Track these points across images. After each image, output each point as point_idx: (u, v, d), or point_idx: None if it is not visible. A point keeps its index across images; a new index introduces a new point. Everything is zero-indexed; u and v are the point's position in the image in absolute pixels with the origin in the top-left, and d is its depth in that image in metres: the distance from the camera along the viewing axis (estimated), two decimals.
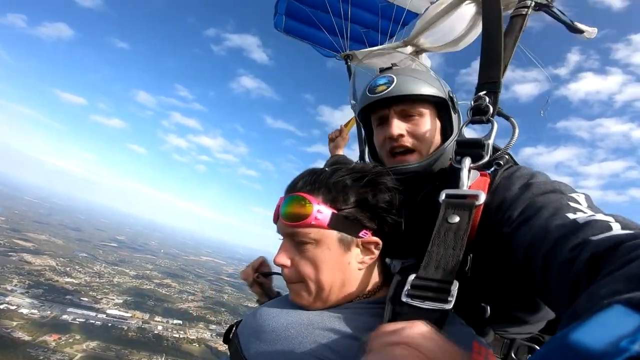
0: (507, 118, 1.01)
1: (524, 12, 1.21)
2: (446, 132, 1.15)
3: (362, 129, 1.42)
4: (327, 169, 0.90)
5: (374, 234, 0.87)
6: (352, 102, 1.54)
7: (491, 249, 0.80)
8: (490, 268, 0.84)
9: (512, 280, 0.86)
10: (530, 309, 0.94)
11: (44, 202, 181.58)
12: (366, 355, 0.54)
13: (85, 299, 49.44)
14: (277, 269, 0.98)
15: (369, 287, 0.90)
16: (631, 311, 0.30)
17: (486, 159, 0.91)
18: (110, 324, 44.17)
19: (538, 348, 0.81)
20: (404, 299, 0.71)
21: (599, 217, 0.58)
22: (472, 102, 1.02)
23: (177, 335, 46.57)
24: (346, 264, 0.85)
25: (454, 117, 1.15)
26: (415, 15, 2.62)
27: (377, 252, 0.88)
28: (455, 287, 0.67)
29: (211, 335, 49.29)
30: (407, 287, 0.72)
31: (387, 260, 0.96)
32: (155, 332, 46.10)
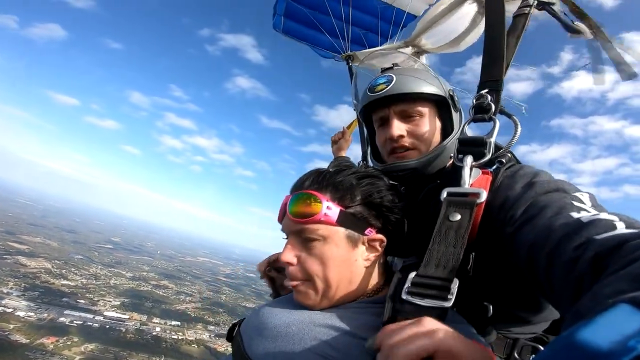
0: (509, 116, 1.01)
1: (526, 12, 1.22)
2: (447, 130, 1.15)
3: (365, 130, 1.42)
4: (331, 169, 0.92)
5: (378, 232, 0.88)
6: (355, 102, 1.53)
7: (493, 248, 0.80)
8: (492, 267, 0.84)
9: (515, 280, 0.86)
10: (533, 308, 0.93)
11: (37, 205, 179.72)
12: (378, 356, 0.55)
13: (82, 301, 49.02)
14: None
15: (372, 286, 0.91)
16: (636, 310, 0.30)
17: (488, 157, 0.90)
18: (108, 326, 43.90)
19: (542, 348, 0.81)
20: (404, 296, 0.71)
21: (603, 216, 0.58)
22: (474, 101, 1.02)
23: (175, 337, 46.36)
24: (353, 261, 0.86)
25: (455, 115, 1.15)
26: (414, 18, 2.66)
27: (381, 250, 0.89)
28: (455, 285, 0.67)
29: (210, 336, 49.16)
30: (408, 284, 0.72)
31: (389, 258, 0.96)
32: (154, 333, 45.84)
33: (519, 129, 0.96)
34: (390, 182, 0.95)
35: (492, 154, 0.91)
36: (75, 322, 41.80)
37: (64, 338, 37.63)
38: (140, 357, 39.17)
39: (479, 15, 1.83)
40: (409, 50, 2.19)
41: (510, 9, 1.26)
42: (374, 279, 0.91)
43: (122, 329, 44.40)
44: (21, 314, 39.37)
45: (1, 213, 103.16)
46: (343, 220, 0.84)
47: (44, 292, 47.55)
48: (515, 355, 1.02)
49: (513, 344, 1.02)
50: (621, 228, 0.53)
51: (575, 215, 0.62)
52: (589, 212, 0.63)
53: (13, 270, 52.75)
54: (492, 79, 1.02)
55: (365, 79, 1.37)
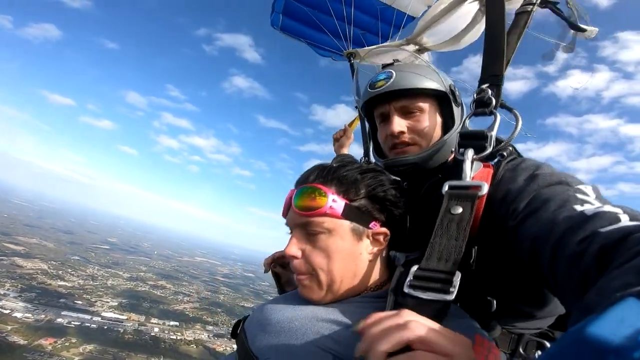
0: (510, 110, 1.01)
1: (529, 9, 1.23)
2: (448, 125, 1.16)
3: (367, 126, 1.45)
4: (335, 164, 0.92)
5: (382, 226, 0.89)
6: (356, 98, 1.55)
7: (496, 241, 0.80)
8: (495, 261, 0.84)
9: (518, 273, 0.85)
10: (537, 303, 0.92)
11: (33, 205, 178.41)
12: (361, 342, 0.55)
13: (80, 302, 48.79)
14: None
15: (375, 280, 0.91)
16: None
17: (489, 150, 0.91)
18: (106, 327, 43.71)
19: (547, 344, 0.80)
20: (405, 289, 0.71)
21: (607, 208, 0.58)
22: (475, 95, 1.03)
23: (174, 337, 46.25)
24: (358, 255, 0.86)
25: (456, 109, 1.16)
26: (413, 19, 2.64)
27: (385, 243, 0.90)
28: (457, 278, 0.67)
29: (208, 336, 49.14)
30: (410, 277, 0.72)
31: (392, 253, 0.98)
32: (152, 334, 45.73)
33: (520, 122, 0.97)
34: (393, 177, 0.96)
35: (493, 148, 0.91)
36: (73, 323, 41.60)
37: (62, 339, 37.46)
38: (139, 357, 39.01)
39: (480, 14, 1.84)
40: (410, 47, 2.21)
41: (513, 6, 1.29)
42: (378, 273, 0.92)
43: (120, 329, 44.22)
44: (18, 315, 39.16)
45: None
46: (348, 214, 0.84)
47: (40, 293, 47.28)
48: (520, 350, 1.02)
49: (518, 339, 1.02)
50: (625, 220, 0.52)
51: (579, 208, 0.61)
52: (592, 204, 0.62)
53: (9, 271, 52.36)
54: (492, 74, 1.03)
55: (365, 76, 1.40)
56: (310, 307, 0.86)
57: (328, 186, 0.86)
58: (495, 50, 1.05)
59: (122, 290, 61.27)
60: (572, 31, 1.52)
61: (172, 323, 50.70)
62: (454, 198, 0.81)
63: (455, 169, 0.92)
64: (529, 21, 1.23)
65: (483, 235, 0.80)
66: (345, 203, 0.84)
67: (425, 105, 1.14)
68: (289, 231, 0.92)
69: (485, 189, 0.79)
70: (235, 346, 0.95)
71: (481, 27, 1.88)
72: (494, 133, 0.93)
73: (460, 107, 1.18)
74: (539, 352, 0.94)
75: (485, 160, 0.93)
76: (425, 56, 2.24)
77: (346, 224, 0.85)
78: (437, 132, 1.15)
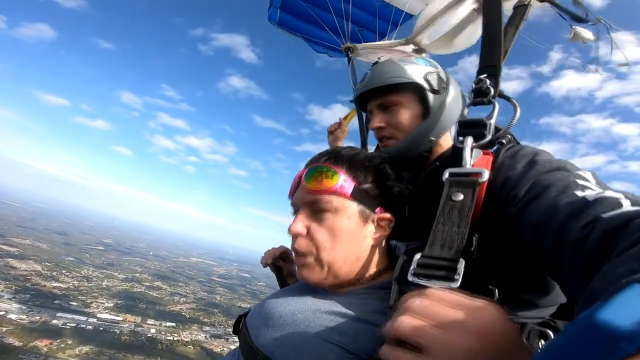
0: (508, 99, 1.03)
1: (526, 2, 1.25)
2: (428, 114, 1.17)
3: (363, 119, 1.48)
4: (345, 149, 0.94)
5: (386, 212, 0.90)
6: (354, 91, 1.65)
7: (497, 229, 0.79)
8: (497, 249, 0.83)
9: (521, 261, 0.85)
10: (539, 291, 0.93)
11: (27, 206, 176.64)
12: (397, 313, 0.54)
13: (75, 303, 48.47)
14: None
15: (376, 268, 0.91)
16: None
17: (488, 137, 0.91)
18: (101, 328, 43.46)
19: (550, 333, 0.78)
20: (410, 278, 0.70)
21: (608, 193, 0.58)
22: (474, 85, 1.04)
23: (171, 338, 46.10)
24: (362, 237, 0.87)
25: (434, 97, 1.16)
26: (411, 17, 2.68)
27: (389, 230, 0.90)
28: (461, 265, 0.67)
29: (206, 337, 49.00)
30: (413, 266, 0.72)
31: (392, 242, 0.98)
32: (149, 335, 45.56)
33: (518, 110, 0.99)
34: (399, 168, 0.97)
35: (492, 135, 0.92)
36: (68, 324, 41.36)
37: (58, 340, 37.20)
38: (135, 359, 38.79)
39: (476, 15, 1.86)
40: (409, 48, 2.23)
41: (509, 3, 1.31)
42: (379, 260, 0.92)
43: (116, 330, 44.01)
44: (13, 316, 38.88)
45: None
46: (357, 196, 0.85)
47: (35, 295, 46.92)
48: (524, 340, 1.08)
49: (520, 328, 0.99)
50: (627, 205, 0.52)
51: (580, 193, 0.61)
52: (593, 190, 0.62)
53: (3, 272, 51.86)
54: (490, 64, 1.04)
55: (362, 71, 1.43)
56: (312, 300, 0.86)
57: (339, 167, 0.87)
58: (493, 41, 1.06)
59: (117, 291, 60.95)
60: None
61: (168, 324, 50.56)
62: (454, 185, 0.81)
63: (454, 156, 0.92)
64: (527, 14, 1.25)
65: (484, 223, 0.79)
66: (355, 185, 0.86)
67: (401, 99, 1.17)
68: (293, 211, 0.92)
69: (486, 175, 0.79)
70: (232, 347, 0.94)
71: (477, 31, 1.90)
72: (492, 121, 0.94)
73: (444, 94, 1.18)
74: (542, 342, 0.94)
75: (484, 147, 0.93)
76: (424, 56, 2.31)
77: (354, 205, 0.86)
78: (415, 122, 1.17)
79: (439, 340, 0.47)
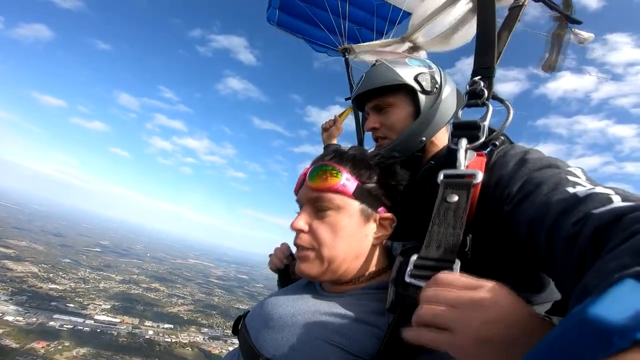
0: (501, 101, 1.03)
1: (520, 3, 1.26)
2: (419, 115, 1.19)
3: (360, 118, 1.50)
4: (351, 149, 0.96)
5: (388, 212, 0.92)
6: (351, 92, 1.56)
7: (491, 228, 0.80)
8: (491, 247, 0.85)
9: (515, 259, 0.87)
10: (534, 289, 0.94)
11: (23, 208, 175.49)
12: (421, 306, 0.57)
13: (72, 305, 48.15)
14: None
15: (375, 267, 0.92)
16: None
17: (482, 139, 0.92)
18: (99, 330, 43.22)
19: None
20: (407, 279, 0.72)
21: (599, 189, 0.58)
22: (468, 87, 1.05)
23: (168, 340, 45.87)
24: (363, 236, 0.88)
25: (424, 98, 1.18)
26: (409, 15, 2.66)
27: (391, 230, 0.91)
28: (457, 266, 0.68)
29: (204, 338, 48.84)
30: (410, 267, 0.73)
31: (388, 242, 1.00)
32: (147, 336, 45.32)
33: (512, 112, 0.99)
34: (403, 169, 0.99)
35: (486, 137, 0.93)
36: (65, 326, 41.07)
37: (55, 342, 36.93)
38: None
39: (471, 14, 1.87)
40: (405, 46, 2.24)
41: (504, 3, 1.32)
42: (378, 260, 0.93)
43: (113, 332, 43.77)
44: (10, 318, 38.61)
45: None
46: (359, 195, 0.87)
47: (31, 297, 46.57)
48: (538, 314, 1.09)
49: None
50: (617, 201, 0.53)
51: (571, 190, 0.62)
52: (584, 186, 0.63)
53: None
54: (484, 66, 1.05)
55: (359, 72, 1.46)
56: (312, 301, 0.87)
57: (343, 166, 0.88)
58: (487, 43, 1.07)
59: (114, 293, 60.66)
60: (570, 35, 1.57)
61: (166, 326, 50.31)
62: (449, 186, 0.82)
63: (449, 157, 0.93)
64: (521, 15, 1.26)
65: (479, 223, 0.80)
66: (358, 184, 0.87)
67: (394, 100, 1.20)
68: (298, 209, 0.94)
69: (479, 177, 0.81)
70: (230, 348, 0.93)
71: (473, 29, 1.88)
72: (486, 123, 0.95)
73: (436, 95, 1.20)
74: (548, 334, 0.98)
75: (478, 149, 0.94)
76: (421, 54, 2.28)
77: (356, 204, 0.87)
78: (407, 123, 1.19)
79: (456, 318, 0.50)
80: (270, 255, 1.43)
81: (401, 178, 0.94)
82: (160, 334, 47.02)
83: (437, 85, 1.20)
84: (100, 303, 52.53)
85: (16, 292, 46.69)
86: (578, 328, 0.29)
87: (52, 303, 46.73)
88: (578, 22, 1.55)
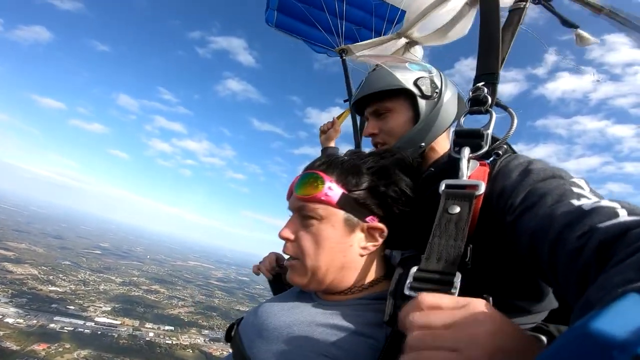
0: (505, 108, 1.01)
1: (522, 6, 1.24)
2: (418, 120, 1.17)
3: (358, 122, 1.50)
4: (347, 154, 0.95)
5: (380, 222, 0.88)
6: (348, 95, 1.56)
7: (493, 239, 0.80)
8: (492, 258, 0.84)
9: (516, 269, 0.86)
10: (534, 298, 0.93)
11: (22, 210, 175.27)
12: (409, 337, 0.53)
13: (72, 307, 48.10)
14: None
15: (369, 279, 0.91)
16: None
17: (485, 148, 0.90)
18: (100, 332, 43.15)
19: (543, 337, 0.79)
20: (406, 292, 0.70)
21: (604, 203, 0.57)
22: (471, 93, 1.03)
23: (169, 342, 45.86)
24: (348, 246, 0.86)
25: (424, 103, 1.17)
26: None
27: (381, 240, 0.89)
28: (458, 279, 0.67)
29: (204, 340, 48.80)
30: (410, 279, 0.71)
31: (387, 251, 0.98)
32: (147, 338, 45.26)
33: (515, 121, 0.97)
34: (404, 174, 0.95)
35: (489, 146, 0.92)
36: (66, 328, 41.01)
37: (56, 344, 36.87)
38: None
39: (467, 8, 1.85)
40: (401, 41, 2.22)
41: (506, 2, 1.28)
42: (371, 270, 0.91)
43: (114, 334, 43.73)
44: (10, 320, 38.55)
45: None
46: (343, 203, 0.85)
47: (32, 299, 46.53)
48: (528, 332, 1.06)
49: None
50: (623, 215, 0.52)
51: (575, 202, 0.61)
52: (589, 199, 0.62)
53: None
54: (488, 72, 1.03)
55: (359, 73, 1.46)
56: (308, 311, 0.85)
57: (329, 174, 0.87)
58: (491, 48, 1.05)
59: (115, 295, 60.59)
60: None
61: (167, 328, 50.29)
62: (451, 197, 0.80)
63: (451, 166, 0.92)
64: (523, 18, 1.23)
65: (480, 233, 0.78)
66: (343, 192, 0.85)
67: (393, 105, 1.19)
68: (290, 215, 0.94)
69: (482, 188, 0.79)
70: (231, 350, 0.94)
71: (468, 21, 1.92)
72: (489, 131, 0.93)
73: (436, 99, 1.18)
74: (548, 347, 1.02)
75: (481, 158, 0.92)
76: (418, 49, 2.29)
77: (340, 214, 0.85)
78: (406, 129, 1.17)
79: (461, 337, 0.48)
80: (259, 263, 1.44)
81: (398, 179, 0.90)
82: (161, 336, 46.99)
83: (437, 90, 1.19)
84: (101, 305, 52.50)
85: (16, 294, 46.62)
86: (579, 341, 0.29)
87: (53, 305, 46.70)
88: (575, 27, 1.57)
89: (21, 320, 39.34)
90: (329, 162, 0.90)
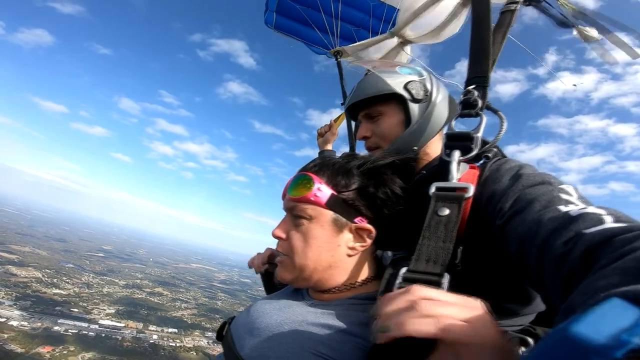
0: (495, 111, 1.01)
1: (512, 8, 1.23)
2: (410, 123, 1.18)
3: (352, 125, 1.55)
4: (341, 157, 0.97)
5: (369, 223, 0.89)
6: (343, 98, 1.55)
7: (482, 242, 0.81)
8: (481, 260, 0.85)
9: (504, 273, 0.87)
10: (522, 301, 0.94)
11: (25, 214, 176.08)
12: (378, 322, 0.56)
13: (76, 309, 48.25)
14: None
15: (360, 278, 0.92)
16: (628, 304, 0.30)
17: (475, 151, 0.91)
18: (104, 334, 43.26)
19: (530, 340, 0.81)
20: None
21: (591, 209, 0.58)
22: (462, 96, 1.03)
23: (173, 344, 45.86)
24: (335, 246, 0.88)
25: (414, 107, 1.18)
26: None
27: (369, 241, 0.90)
28: (446, 280, 0.68)
29: (208, 342, 48.63)
30: (399, 280, 0.71)
31: (378, 252, 0.99)
32: (151, 341, 45.27)
33: (505, 124, 0.97)
34: (397, 177, 0.95)
35: (479, 149, 0.92)
36: (70, 330, 41.13)
37: (60, 347, 36.97)
38: None
39: (460, 7, 1.83)
40: (395, 40, 2.21)
41: (497, 4, 1.27)
42: (361, 270, 0.92)
43: (118, 337, 43.77)
44: (14, 323, 38.72)
45: None
46: (332, 204, 0.87)
47: (36, 302, 46.69)
48: (513, 349, 0.98)
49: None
50: (609, 222, 0.53)
51: (563, 208, 0.62)
52: (576, 205, 0.63)
53: (3, 279, 51.68)
54: (478, 75, 1.03)
55: (353, 76, 1.47)
56: (300, 310, 0.86)
57: (320, 175, 0.89)
58: (481, 51, 1.05)
59: (118, 297, 60.73)
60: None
61: (170, 330, 50.32)
62: (441, 199, 0.81)
63: (441, 169, 0.93)
64: (513, 20, 1.23)
65: (470, 236, 0.80)
66: (332, 194, 0.87)
67: (384, 109, 1.20)
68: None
69: (471, 190, 0.80)
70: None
71: (461, 20, 1.90)
72: (479, 134, 0.93)
73: (427, 103, 1.19)
74: (523, 349, 0.96)
75: (471, 161, 0.93)
76: (409, 49, 2.28)
77: (328, 214, 0.87)
78: (398, 131, 1.19)
79: (437, 311, 0.51)
80: (253, 257, 1.48)
81: (388, 181, 0.91)
82: (165, 338, 46.99)
83: (427, 93, 1.20)
84: (105, 308, 52.64)
85: (20, 297, 46.84)
86: (559, 345, 0.29)
87: (57, 308, 46.85)
88: (568, 26, 1.56)
89: (25, 323, 39.49)
90: (321, 164, 0.92)
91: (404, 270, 0.73)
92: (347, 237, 0.89)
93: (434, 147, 1.21)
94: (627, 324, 0.27)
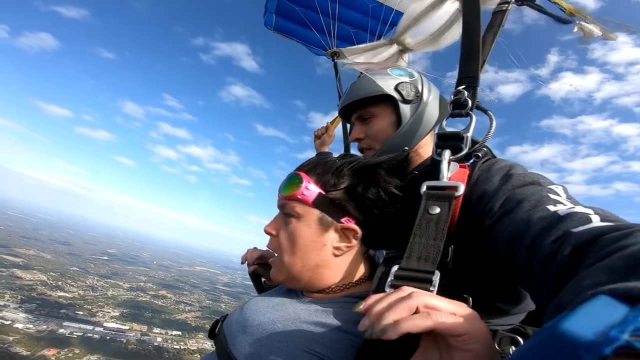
0: (485, 111, 1.02)
1: (504, 8, 1.23)
2: (401, 124, 1.19)
3: (347, 127, 1.58)
4: (334, 156, 0.98)
5: (357, 224, 0.89)
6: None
7: (472, 241, 0.82)
8: (471, 259, 0.86)
9: (494, 271, 0.87)
10: (512, 300, 0.95)
11: (29, 217, 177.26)
12: (366, 318, 0.57)
13: (80, 312, 48.42)
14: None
15: (353, 278, 0.92)
16: (616, 301, 0.31)
17: (465, 151, 0.92)
18: (108, 337, 43.33)
19: (520, 339, 0.86)
20: (387, 290, 0.71)
21: (579, 209, 0.59)
22: (452, 97, 1.04)
23: (177, 347, 45.88)
24: (321, 245, 0.88)
25: (404, 107, 1.19)
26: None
27: (355, 242, 0.89)
28: (437, 277, 0.69)
29: (212, 345, 48.27)
30: (390, 278, 0.73)
31: (371, 251, 0.99)
32: (155, 343, 45.39)
33: (494, 123, 0.99)
34: (390, 177, 0.95)
35: (469, 148, 0.93)
36: (75, 333, 41.25)
37: (65, 349, 37.04)
38: None
39: (459, 14, 1.82)
40: (394, 47, 2.21)
41: (488, 5, 1.29)
42: (353, 270, 0.92)
43: (123, 339, 43.82)
44: (20, 325, 38.84)
45: None
46: (319, 203, 0.87)
47: (41, 304, 46.87)
48: (495, 346, 0.99)
49: (492, 335, 1.00)
50: (596, 221, 0.54)
51: (552, 208, 0.63)
52: (565, 205, 0.64)
53: (8, 282, 51.94)
54: (468, 75, 1.04)
55: (351, 78, 1.40)
56: (293, 308, 0.86)
57: (310, 174, 0.90)
58: (471, 51, 1.06)
59: (123, 300, 60.92)
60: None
61: (174, 332, 50.37)
62: (431, 198, 0.82)
63: (432, 169, 0.94)
64: (504, 20, 1.23)
65: (460, 235, 0.81)
66: (319, 193, 0.87)
67: (376, 110, 1.22)
68: None
69: (461, 189, 0.81)
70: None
71: (460, 27, 1.84)
72: (469, 134, 0.94)
73: (417, 103, 1.20)
74: (513, 348, 0.96)
75: (461, 160, 0.94)
76: (407, 56, 2.28)
77: (315, 213, 0.88)
78: (390, 133, 1.20)
79: (469, 328, 0.51)
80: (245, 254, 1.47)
81: (379, 181, 0.91)
82: (169, 341, 47.03)
83: (418, 94, 1.21)
84: (109, 310, 52.78)
85: (25, 299, 47.03)
86: (548, 342, 0.29)
87: (62, 310, 47.00)
88: (567, 22, 1.55)
89: (31, 326, 39.59)
90: (314, 163, 0.93)
91: (395, 268, 0.74)
92: (333, 236, 0.88)
93: (426, 148, 1.23)
94: (615, 321, 0.27)
